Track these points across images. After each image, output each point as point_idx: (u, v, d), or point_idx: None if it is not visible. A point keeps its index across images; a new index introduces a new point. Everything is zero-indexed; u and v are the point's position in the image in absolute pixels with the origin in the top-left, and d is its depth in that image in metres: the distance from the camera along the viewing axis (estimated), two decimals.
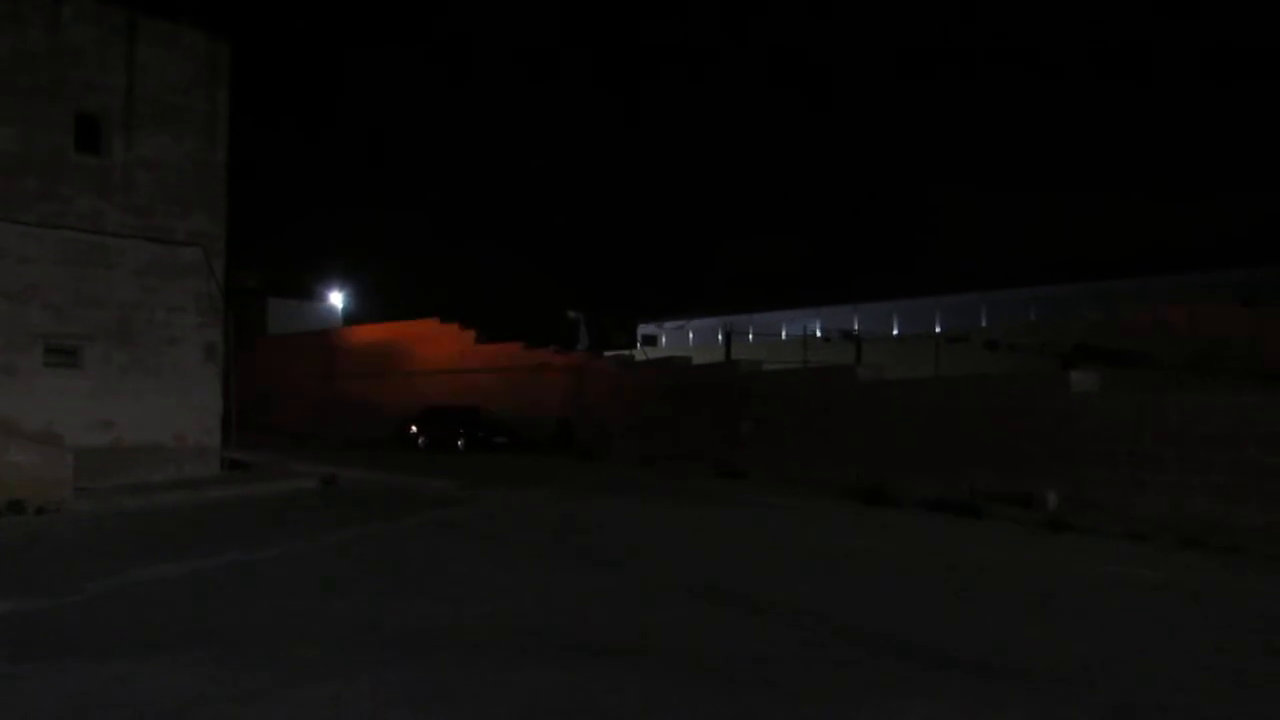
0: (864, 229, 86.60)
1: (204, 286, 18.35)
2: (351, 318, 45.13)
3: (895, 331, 43.79)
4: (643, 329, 43.76)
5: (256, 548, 11.27)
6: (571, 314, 34.99)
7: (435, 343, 35.53)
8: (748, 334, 42.16)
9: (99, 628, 7.50)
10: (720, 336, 40.09)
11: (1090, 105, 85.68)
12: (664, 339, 46.41)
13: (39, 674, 6.22)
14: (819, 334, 41.86)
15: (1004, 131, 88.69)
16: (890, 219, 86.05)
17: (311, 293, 45.35)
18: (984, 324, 41.00)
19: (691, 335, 49.02)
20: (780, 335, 44.71)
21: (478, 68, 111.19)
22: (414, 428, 31.32)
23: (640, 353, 35.18)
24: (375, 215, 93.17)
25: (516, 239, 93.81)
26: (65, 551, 11.29)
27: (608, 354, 32.96)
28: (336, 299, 45.72)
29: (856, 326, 42.40)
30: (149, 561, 10.25)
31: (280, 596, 8.70)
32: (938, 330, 41.43)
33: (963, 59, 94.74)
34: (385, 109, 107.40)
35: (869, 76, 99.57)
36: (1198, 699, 6.16)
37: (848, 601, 8.99)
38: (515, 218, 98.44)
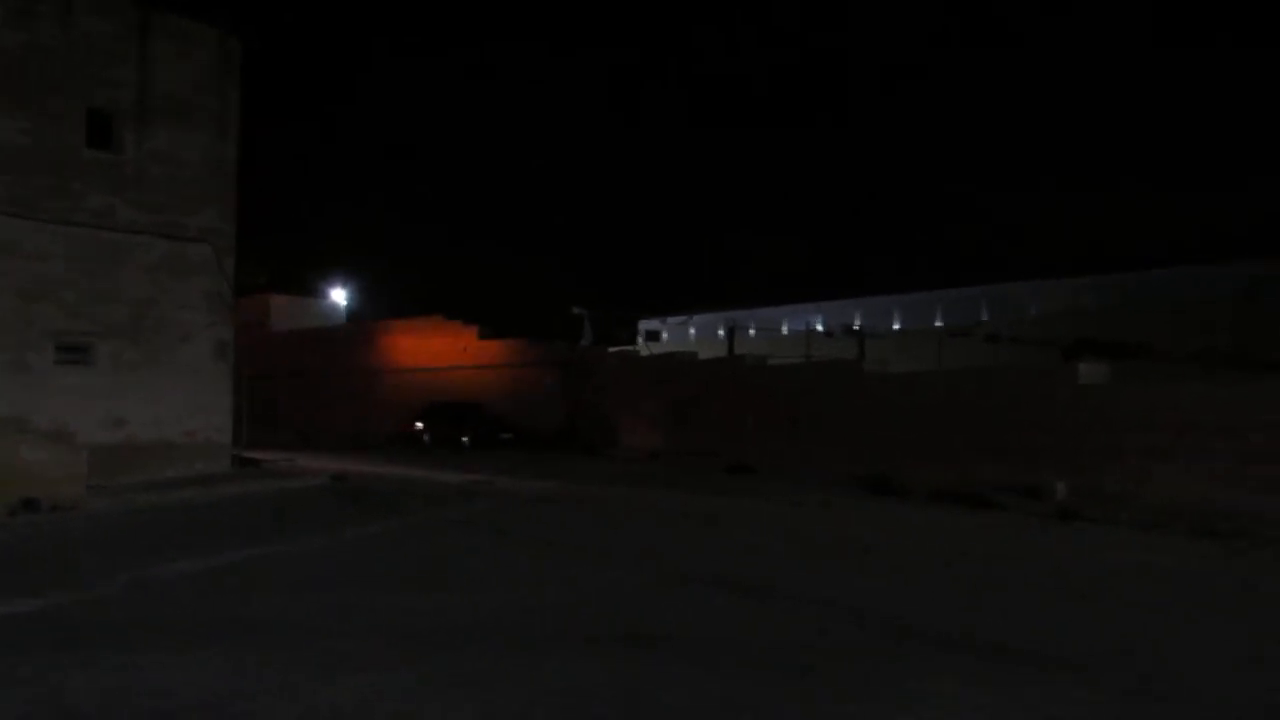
0: (865, 225, 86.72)
1: (214, 284, 18.37)
2: (354, 315, 45.07)
3: (897, 326, 43.85)
4: (645, 325, 43.75)
5: (275, 544, 11.33)
6: (575, 310, 35.04)
7: (440, 339, 35.56)
8: (749, 329, 42.21)
9: (130, 622, 7.55)
10: (722, 332, 40.14)
11: (1091, 100, 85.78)
12: (666, 335, 46.44)
13: (76, 666, 6.25)
14: (820, 329, 41.93)
15: (1003, 128, 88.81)
16: (890, 215, 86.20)
17: (313, 289, 45.28)
18: (985, 318, 41.08)
19: (693, 331, 49.03)
20: (782, 331, 44.76)
21: (482, 65, 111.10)
22: (419, 424, 31.37)
23: (644, 348, 35.23)
24: (377, 212, 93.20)
25: (520, 236, 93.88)
26: (85, 548, 11.32)
27: (611, 350, 33.01)
28: (339, 296, 45.65)
29: (858, 321, 42.48)
30: (170, 558, 10.28)
31: (304, 591, 8.76)
32: (939, 324, 41.54)
33: (962, 53, 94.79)
34: (387, 106, 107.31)
35: (870, 74, 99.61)
36: (1210, 681, 6.25)
37: (866, 591, 9.06)
38: (519, 215, 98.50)
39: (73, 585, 8.86)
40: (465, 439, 29.59)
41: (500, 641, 6.97)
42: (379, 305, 45.95)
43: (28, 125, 16.11)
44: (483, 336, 34.45)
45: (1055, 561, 11.02)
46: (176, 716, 5.37)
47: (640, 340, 38.33)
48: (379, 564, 10.35)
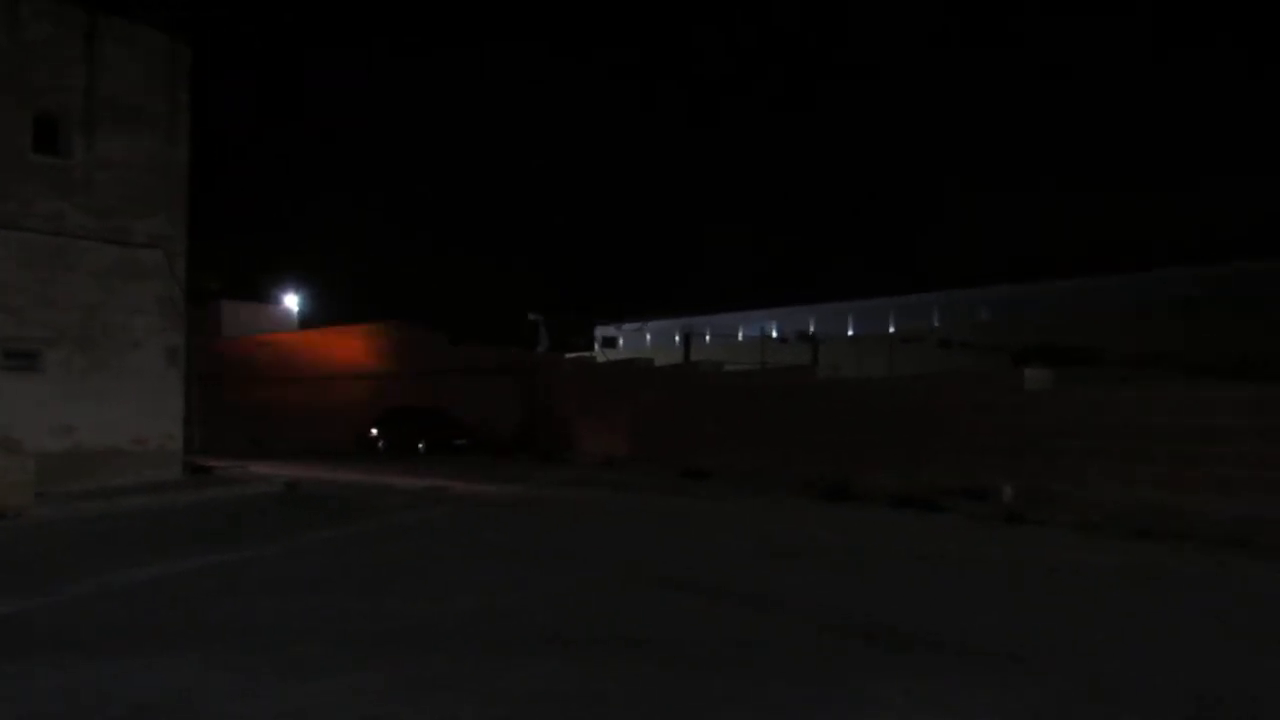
0: (819, 232, 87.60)
1: (165, 289, 18.19)
2: (309, 320, 44.74)
3: (850, 332, 44.40)
4: (601, 331, 43.95)
5: (230, 551, 11.27)
6: (532, 316, 35.10)
7: (397, 345, 35.42)
8: (705, 335, 42.54)
9: (87, 628, 7.52)
10: (678, 338, 40.40)
11: (1040, 104, 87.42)
12: (622, 341, 46.60)
13: (35, 672, 6.24)
14: (775, 335, 42.36)
15: (951, 134, 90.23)
16: (845, 222, 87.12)
17: (266, 295, 44.85)
18: (937, 324, 41.77)
19: (649, 337, 49.28)
20: (737, 337, 45.15)
21: (436, 67, 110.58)
22: (374, 430, 31.23)
23: (600, 354, 35.38)
24: (333, 216, 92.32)
25: (477, 241, 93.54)
26: (35, 556, 11.19)
27: (568, 356, 33.12)
28: (292, 301, 45.25)
29: (813, 327, 42.94)
30: (123, 565, 10.21)
31: (263, 597, 8.75)
32: (891, 330, 42.16)
33: (919, 49, 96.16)
34: (343, 110, 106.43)
35: (821, 78, 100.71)
36: (1153, 675, 6.50)
37: (820, 592, 9.25)
38: (476, 220, 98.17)
39: (26, 592, 8.77)
40: (421, 444, 29.52)
41: (461, 644, 7.05)
42: (334, 311, 45.67)
43: None
44: (440, 342, 34.41)
45: (999, 563, 11.30)
46: (144, 718, 5.40)
47: (597, 346, 38.49)
48: (337, 569, 10.35)
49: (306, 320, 44.91)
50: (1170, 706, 5.84)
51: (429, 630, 7.49)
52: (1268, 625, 8.28)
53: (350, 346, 36.96)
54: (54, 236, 16.70)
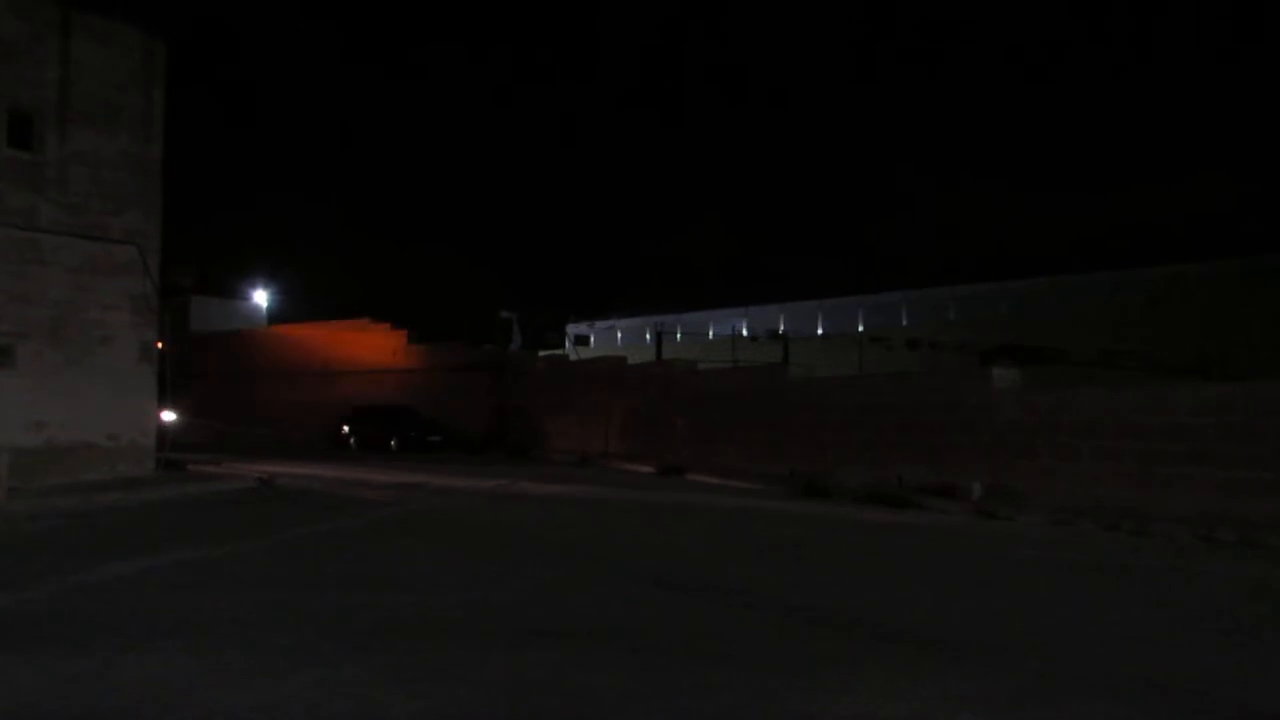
0: (789, 230, 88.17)
1: (139, 285, 18.12)
2: (278, 317, 44.48)
3: (820, 330, 44.83)
4: (573, 329, 44.12)
5: (206, 546, 11.29)
6: (504, 314, 35.20)
7: (368, 343, 35.34)
8: (676, 333, 42.80)
9: (68, 622, 7.55)
10: (649, 336, 40.65)
11: (1014, 98, 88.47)
12: (594, 339, 46.77)
13: (19, 665, 6.29)
14: (745, 333, 42.70)
15: (920, 134, 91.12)
16: (814, 221, 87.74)
17: (235, 291, 44.53)
18: (905, 323, 42.28)
19: (620, 335, 49.48)
20: (708, 335, 45.44)
21: (411, 64, 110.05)
22: (345, 428, 31.17)
23: (573, 352, 35.52)
24: (304, 212, 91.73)
25: (450, 239, 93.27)
26: (10, 552, 11.16)
27: (541, 354, 33.25)
28: (261, 297, 44.94)
29: (783, 326, 43.33)
30: (100, 560, 10.22)
31: (242, 591, 8.81)
32: (861, 329, 42.61)
33: (889, 49, 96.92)
34: (316, 105, 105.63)
35: (790, 74, 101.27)
36: (1114, 664, 6.77)
37: (794, 585, 9.47)
38: (449, 218, 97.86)
39: (2, 588, 8.78)
40: (392, 442, 29.50)
41: (443, 637, 7.18)
42: (304, 307, 45.47)
43: None
44: (412, 340, 34.38)
45: (968, 558, 11.60)
46: (134, 710, 5.49)
47: (569, 344, 38.63)
48: (314, 564, 10.42)
49: (277, 317, 44.67)
50: (1129, 693, 6.10)
51: (413, 623, 7.61)
52: (1235, 617, 8.61)
53: (322, 344, 36.82)
54: (26, 232, 16.61)
